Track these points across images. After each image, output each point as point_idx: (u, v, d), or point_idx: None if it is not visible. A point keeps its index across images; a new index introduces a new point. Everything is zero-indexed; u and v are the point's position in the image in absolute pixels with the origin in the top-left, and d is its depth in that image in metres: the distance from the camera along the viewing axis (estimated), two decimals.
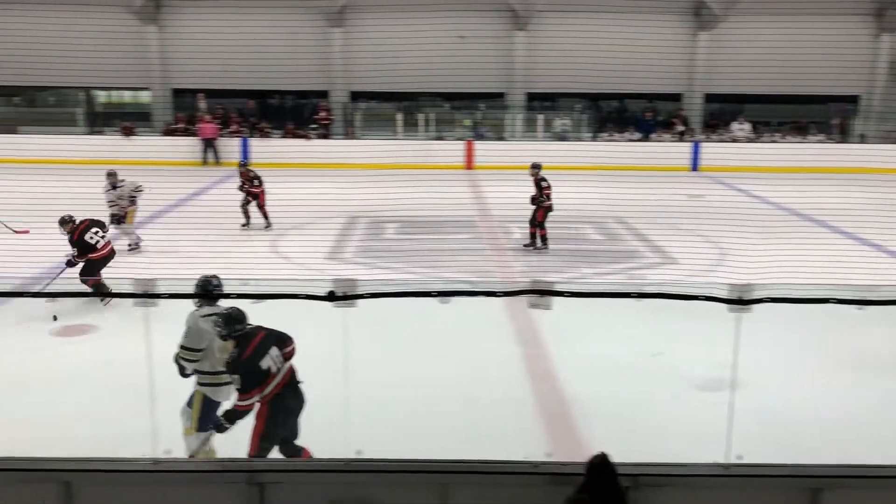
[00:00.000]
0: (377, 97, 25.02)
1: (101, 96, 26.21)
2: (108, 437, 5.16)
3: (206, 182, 19.02)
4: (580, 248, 12.89)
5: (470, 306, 4.81)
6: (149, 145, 22.55)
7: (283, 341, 5.46)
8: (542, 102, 25.13)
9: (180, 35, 23.80)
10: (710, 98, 24.64)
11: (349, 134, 23.94)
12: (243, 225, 14.06)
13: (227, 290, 5.59)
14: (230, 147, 22.64)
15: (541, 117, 24.72)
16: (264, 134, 23.20)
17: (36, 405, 6.71)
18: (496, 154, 20.69)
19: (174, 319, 5.29)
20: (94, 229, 9.73)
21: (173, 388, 5.42)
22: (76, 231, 9.61)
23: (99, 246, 9.66)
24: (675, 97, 24.85)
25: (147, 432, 4.40)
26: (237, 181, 14.30)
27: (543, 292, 4.15)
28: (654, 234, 13.66)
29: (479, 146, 22.89)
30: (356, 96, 24.89)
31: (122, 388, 6.62)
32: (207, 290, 5.58)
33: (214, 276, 5.73)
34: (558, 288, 4.17)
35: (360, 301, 4.42)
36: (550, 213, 12.50)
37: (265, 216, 14.16)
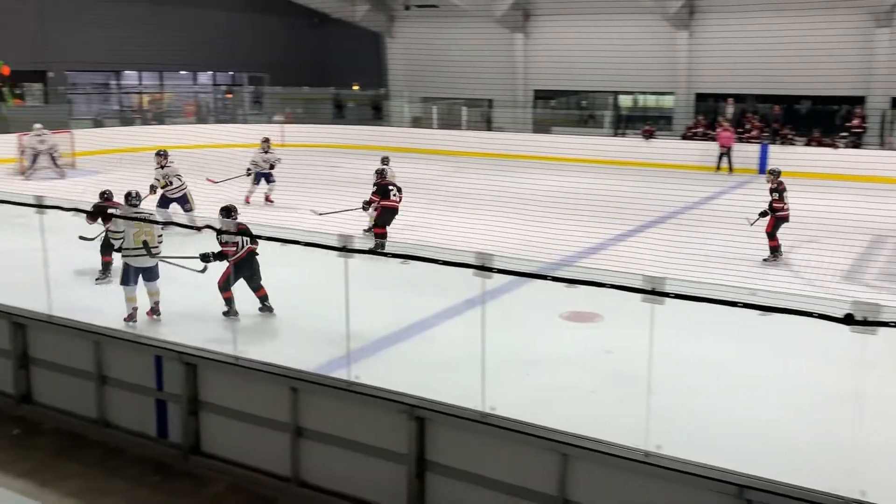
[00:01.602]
0: None
1: (626, 100, 27.68)
2: (601, 421, 5.44)
3: (719, 187, 18.86)
4: None
5: None
6: (665, 148, 23.15)
7: (254, 238, 8.06)
8: None
9: (709, 40, 23.88)
10: None
11: (886, 143, 21.52)
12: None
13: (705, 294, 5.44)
14: (748, 153, 22.05)
15: None
16: (787, 141, 22.11)
17: (541, 379, 7.40)
18: None
19: (678, 321, 5.31)
20: None
21: (671, 387, 5.49)
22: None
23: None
24: None
25: (640, 425, 4.55)
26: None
27: None
28: None
29: None
30: None
31: (620, 377, 6.98)
32: (128, 200, 9.13)
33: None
34: None
35: (881, 329, 3.99)
36: (784, 225, 11.86)
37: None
